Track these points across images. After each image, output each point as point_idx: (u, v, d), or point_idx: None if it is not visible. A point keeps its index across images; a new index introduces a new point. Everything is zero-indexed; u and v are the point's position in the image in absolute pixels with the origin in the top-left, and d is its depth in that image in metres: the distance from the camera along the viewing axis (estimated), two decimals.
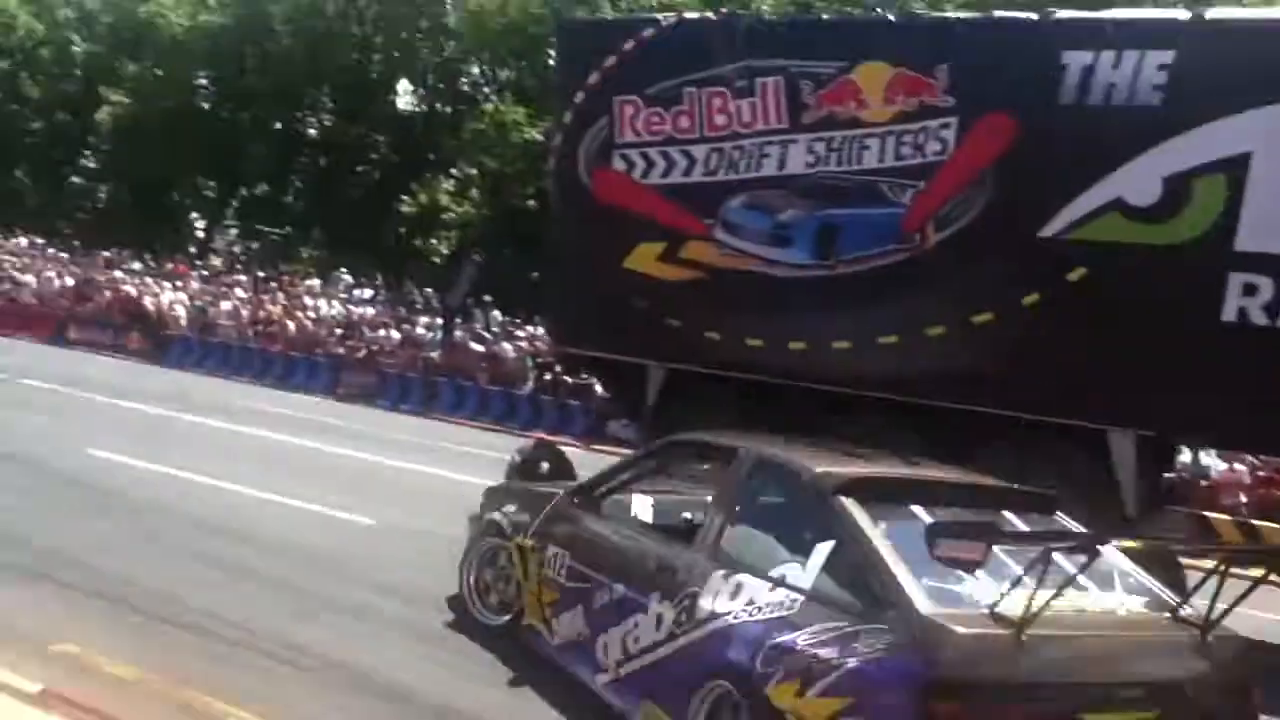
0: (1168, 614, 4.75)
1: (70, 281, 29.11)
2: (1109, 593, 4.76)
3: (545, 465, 11.95)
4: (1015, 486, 5.78)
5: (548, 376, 22.27)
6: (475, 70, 44.57)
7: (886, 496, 5.00)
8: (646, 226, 10.39)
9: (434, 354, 23.75)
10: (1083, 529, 5.31)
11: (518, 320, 25.89)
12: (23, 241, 35.21)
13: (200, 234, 50.20)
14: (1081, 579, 4.44)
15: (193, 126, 43.92)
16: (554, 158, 11.52)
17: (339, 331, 25.29)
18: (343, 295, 28.17)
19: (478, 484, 12.96)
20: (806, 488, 5.15)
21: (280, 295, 28.09)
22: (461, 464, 14.91)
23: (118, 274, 29.61)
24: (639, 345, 10.76)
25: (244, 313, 26.58)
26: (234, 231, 50.91)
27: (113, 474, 9.96)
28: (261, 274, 29.35)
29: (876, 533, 4.61)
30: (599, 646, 5.66)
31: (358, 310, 26.42)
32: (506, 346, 23.62)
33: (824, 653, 4.30)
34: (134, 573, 6.86)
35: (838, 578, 4.64)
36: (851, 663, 4.20)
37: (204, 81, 46.32)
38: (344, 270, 31.86)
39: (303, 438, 15.26)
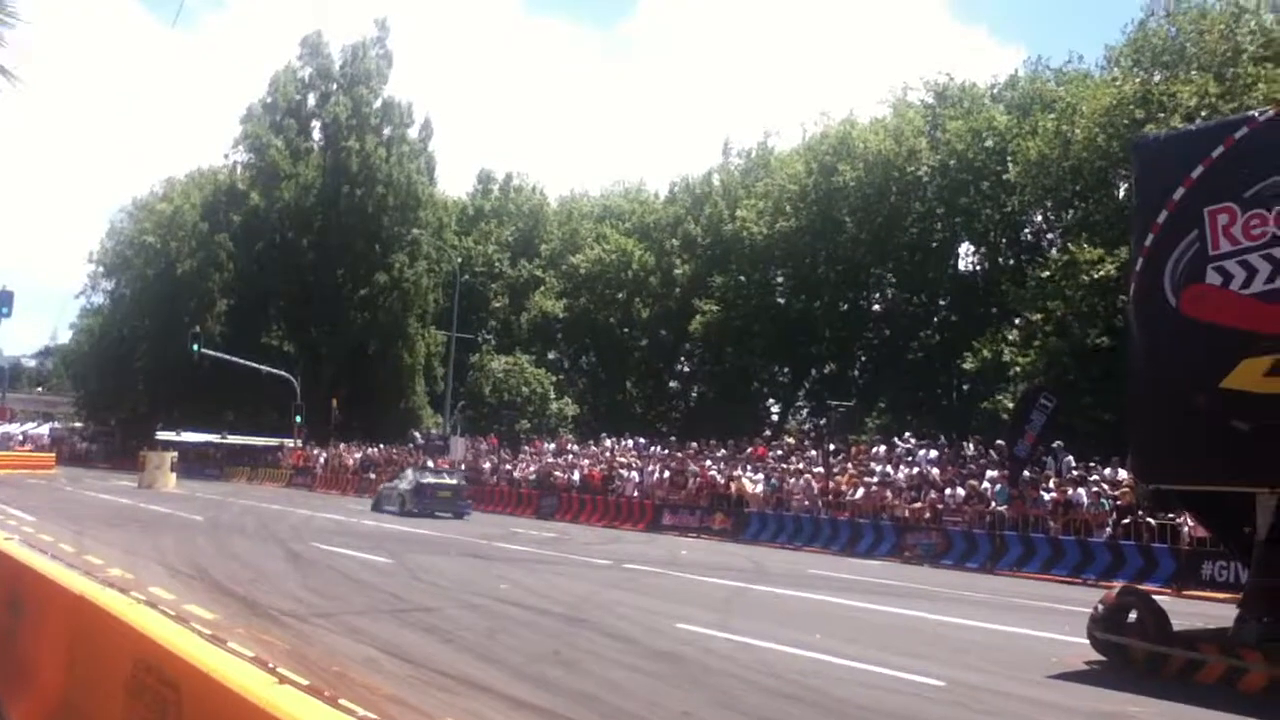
0: None
1: (665, 474, 32.33)
2: None
3: (1133, 614, 10.70)
4: None
5: (1127, 521, 20.06)
6: (1038, 218, 44.05)
7: None
8: (1250, 340, 9.42)
9: (1001, 507, 22.55)
10: None
11: (1093, 464, 23.88)
12: (629, 443, 40.04)
13: (775, 416, 53.77)
14: None
15: (770, 321, 48.04)
16: (1134, 284, 10.69)
17: (905, 494, 25.13)
18: (907, 458, 28.08)
19: (1051, 639, 12.09)
20: None
21: (849, 465, 28.74)
22: (1034, 619, 13.79)
23: (705, 462, 32.29)
24: (1245, 472, 9.61)
25: (814, 485, 27.48)
26: (805, 411, 53.88)
27: (696, 645, 10.33)
28: (831, 446, 30.29)
29: None
30: None
31: (923, 470, 26.10)
32: (1080, 492, 21.76)
33: None
34: None
35: None
36: None
37: (780, 280, 50.56)
38: (909, 434, 31.87)
39: (871, 601, 15.03)
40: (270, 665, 4.64)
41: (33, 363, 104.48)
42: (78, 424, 74.23)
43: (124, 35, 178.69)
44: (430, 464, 40.87)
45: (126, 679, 4.40)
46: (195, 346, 47.47)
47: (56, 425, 74.22)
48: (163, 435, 51.23)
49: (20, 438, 63.63)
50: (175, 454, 44.22)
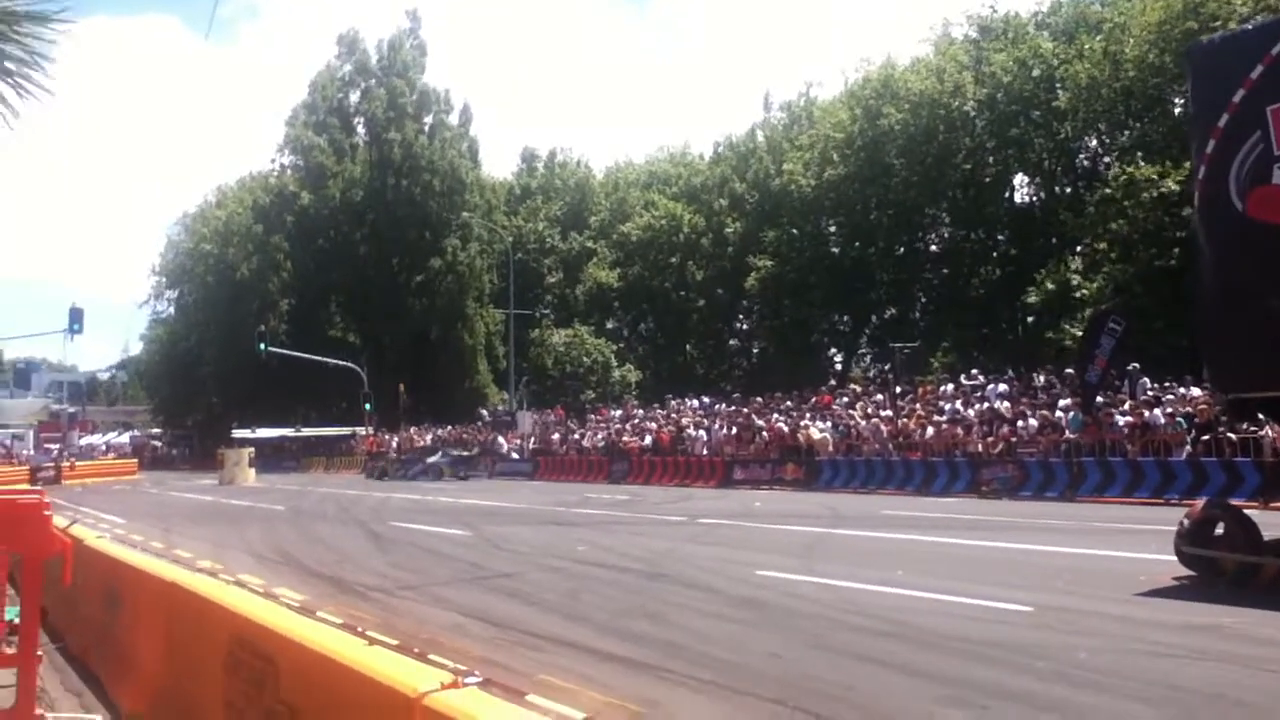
0: None
1: (733, 430, 32.34)
2: None
3: (1220, 527, 10.50)
4: None
5: (1207, 437, 19.61)
6: (1093, 143, 43.23)
7: None
8: None
9: (1075, 434, 22.20)
10: None
11: (1167, 384, 23.40)
12: (694, 403, 40.13)
13: (838, 365, 53.47)
14: None
15: (825, 271, 47.71)
16: (1198, 193, 10.39)
17: (977, 429, 24.86)
18: (976, 393, 27.77)
19: (1137, 559, 11.92)
20: None
21: (917, 405, 28.49)
22: (1118, 541, 13.57)
23: (772, 415, 32.23)
24: None
25: (884, 429, 27.29)
26: (868, 358, 53.54)
27: (779, 590, 10.34)
28: (897, 388, 30.03)
29: None
30: None
31: (993, 405, 25.79)
32: (1157, 413, 21.32)
33: None
34: (809, 677, 7.01)
35: None
36: None
37: (833, 229, 50.22)
38: (975, 370, 31.49)
39: (950, 536, 14.92)
40: (359, 630, 4.76)
41: (107, 375, 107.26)
42: (155, 430, 76.19)
43: (170, 55, 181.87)
44: (500, 439, 41.95)
45: (224, 657, 4.52)
46: (261, 346, 48.48)
47: (136, 433, 76.32)
48: (238, 433, 52.40)
49: (104, 447, 65.57)
50: (252, 450, 45.27)
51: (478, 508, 23.56)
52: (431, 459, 41.55)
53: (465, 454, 42.40)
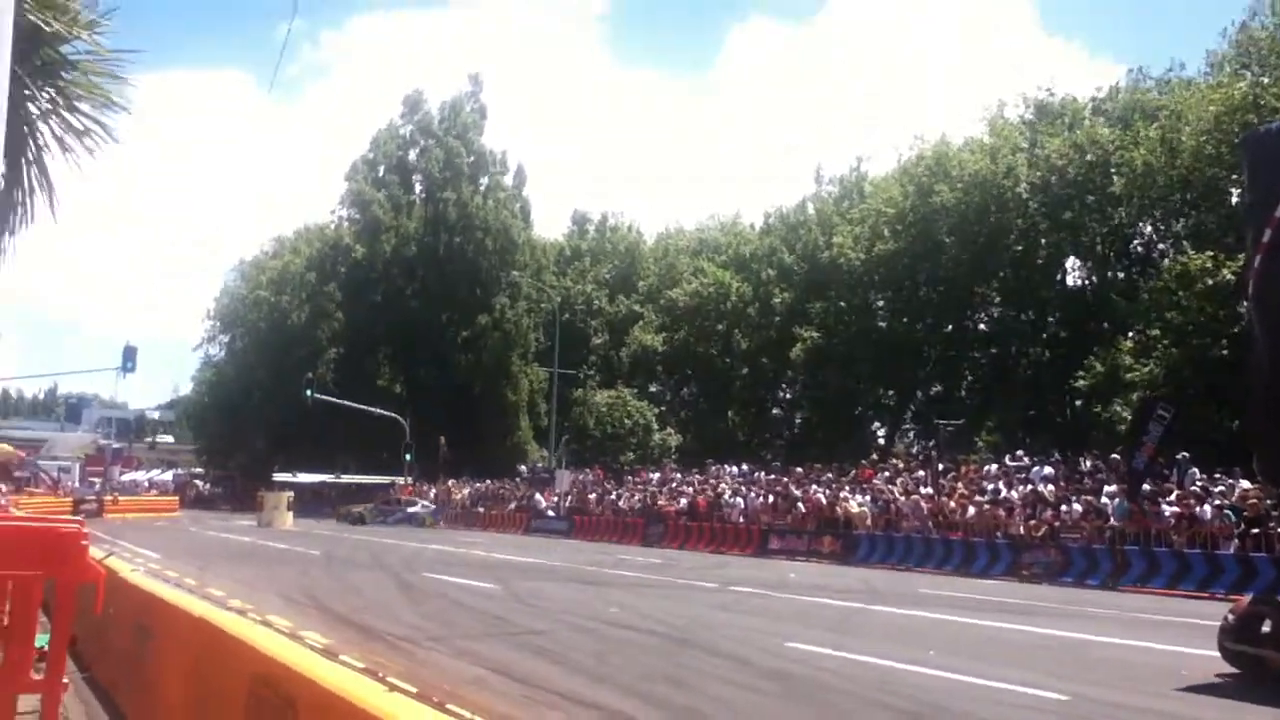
0: None
1: (771, 499, 32.07)
2: None
3: (1267, 624, 10.18)
4: None
5: (1255, 531, 19.12)
6: (1147, 229, 43.09)
7: None
8: None
9: (1120, 522, 21.73)
10: None
11: (1216, 474, 22.90)
12: (733, 469, 39.91)
13: (881, 440, 53.02)
14: None
15: (871, 345, 47.58)
16: (1252, 283, 10.25)
17: (1019, 511, 24.45)
18: (1020, 474, 27.35)
19: (1179, 652, 11.58)
20: None
21: (959, 484, 28.10)
22: (1160, 633, 13.25)
23: (811, 487, 31.93)
24: None
25: (924, 506, 26.94)
26: (911, 434, 53.06)
27: (808, 663, 10.17)
28: (940, 466, 29.67)
29: None
30: None
31: (1037, 487, 25.37)
32: (1206, 508, 20.82)
33: None
34: None
35: None
36: None
37: (880, 304, 50.20)
38: (1020, 451, 31.08)
39: (987, 619, 14.63)
40: (380, 675, 4.75)
41: (156, 414, 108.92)
42: (198, 470, 77.03)
43: (239, 109, 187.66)
44: (538, 496, 42.11)
45: (245, 694, 4.53)
46: (309, 392, 49.10)
47: (180, 472, 77.16)
48: (280, 477, 52.82)
49: (146, 484, 66.31)
50: (292, 494, 45.61)
51: (511, 563, 23.50)
52: (413, 509, 44.71)
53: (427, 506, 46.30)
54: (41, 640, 5.91)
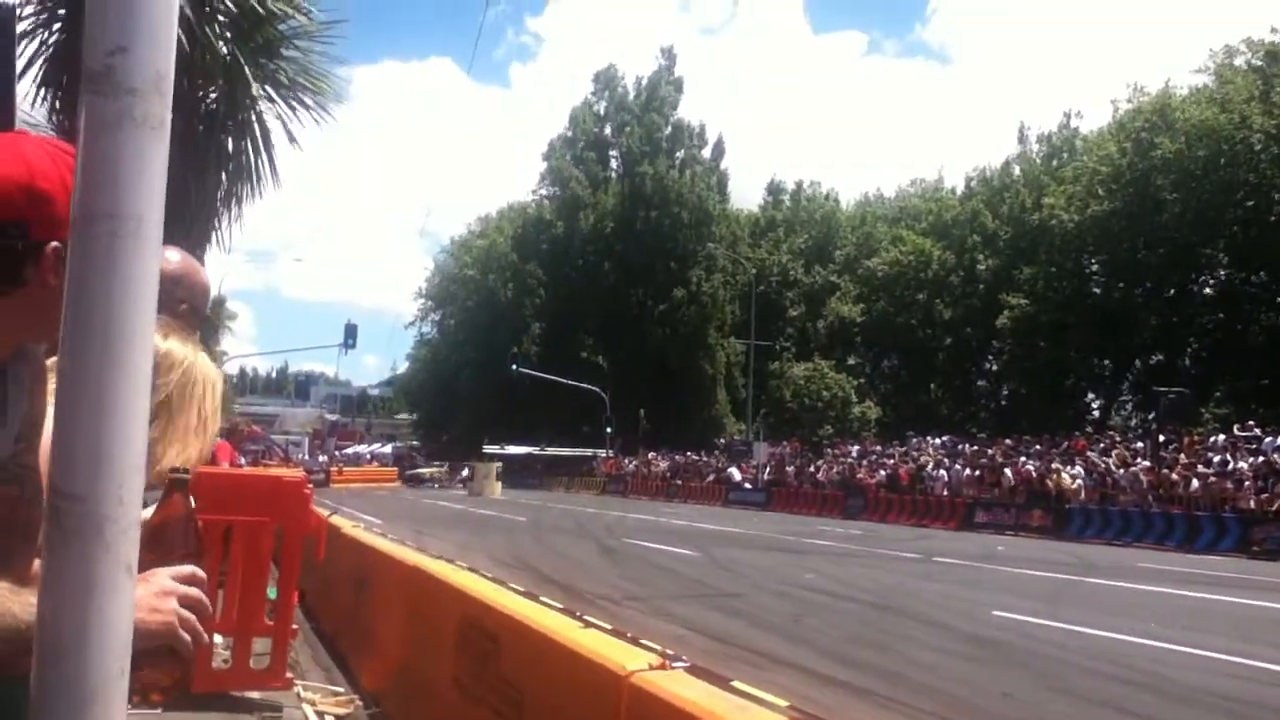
0: None
1: (977, 471, 31.08)
2: None
3: None
4: None
5: None
6: None
7: None
8: None
9: None
10: None
11: None
12: (936, 441, 38.85)
13: (1095, 412, 50.41)
14: None
15: (1085, 312, 45.31)
16: None
17: (1250, 484, 22.79)
18: (1250, 445, 25.45)
19: None
20: None
21: (1181, 456, 26.42)
22: None
23: (1020, 458, 30.76)
24: None
25: (1143, 478, 25.48)
26: (1129, 405, 50.21)
27: (1017, 631, 9.94)
28: (1161, 438, 27.94)
29: None
30: None
31: (1270, 459, 23.56)
32: None
33: None
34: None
35: None
36: None
37: (1095, 268, 47.67)
38: (1251, 422, 28.88)
39: (1214, 592, 13.81)
40: (576, 613, 4.93)
41: (376, 391, 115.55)
42: (415, 443, 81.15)
43: (448, 94, 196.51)
44: (734, 470, 42.27)
45: (455, 635, 4.78)
46: (514, 366, 50.95)
47: (398, 444, 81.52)
48: (488, 449, 55.01)
49: (368, 456, 70.45)
50: (500, 465, 47.46)
51: (709, 532, 23.73)
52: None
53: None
54: (272, 593, 6.42)
